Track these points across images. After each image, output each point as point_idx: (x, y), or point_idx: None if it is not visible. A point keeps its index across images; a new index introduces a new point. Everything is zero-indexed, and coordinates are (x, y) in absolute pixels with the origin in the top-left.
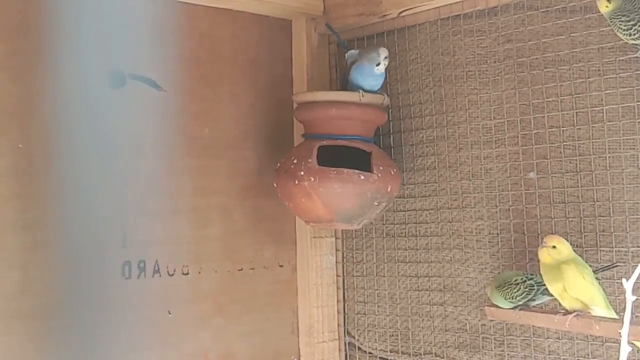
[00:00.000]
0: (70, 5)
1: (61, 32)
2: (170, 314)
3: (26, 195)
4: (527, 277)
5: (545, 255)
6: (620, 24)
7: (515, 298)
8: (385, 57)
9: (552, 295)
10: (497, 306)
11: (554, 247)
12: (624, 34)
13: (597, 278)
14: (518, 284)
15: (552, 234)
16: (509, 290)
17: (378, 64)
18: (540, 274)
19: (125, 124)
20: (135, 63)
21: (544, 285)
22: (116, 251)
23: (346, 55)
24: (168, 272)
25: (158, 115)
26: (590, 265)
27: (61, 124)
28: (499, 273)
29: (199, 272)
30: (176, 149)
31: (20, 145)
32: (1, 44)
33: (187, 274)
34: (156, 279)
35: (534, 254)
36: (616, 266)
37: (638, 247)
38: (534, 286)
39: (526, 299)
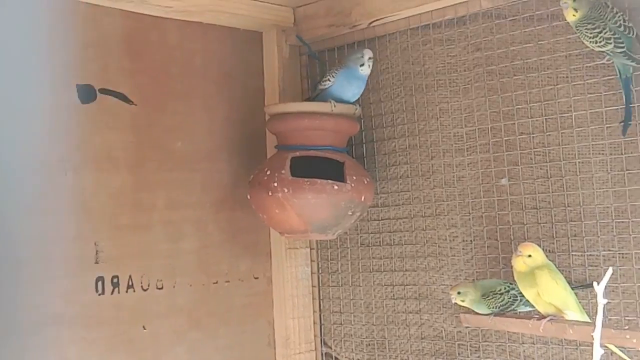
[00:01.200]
0: (40, 20)
1: (31, 47)
2: (145, 329)
3: None
4: (509, 287)
5: (520, 264)
6: (587, 32)
7: (498, 308)
8: (370, 58)
9: (534, 307)
10: (475, 313)
11: (529, 256)
12: (590, 42)
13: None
14: (502, 293)
15: (525, 241)
16: (493, 299)
17: (362, 65)
18: (515, 281)
19: (97, 139)
20: (105, 78)
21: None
22: (89, 267)
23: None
24: (142, 287)
25: (130, 129)
26: (562, 271)
27: (32, 139)
28: (473, 280)
29: (174, 287)
30: (149, 162)
31: None
32: None
33: (162, 288)
34: (130, 294)
35: (508, 260)
36: (590, 286)
37: (609, 250)
38: (517, 297)
39: (509, 309)
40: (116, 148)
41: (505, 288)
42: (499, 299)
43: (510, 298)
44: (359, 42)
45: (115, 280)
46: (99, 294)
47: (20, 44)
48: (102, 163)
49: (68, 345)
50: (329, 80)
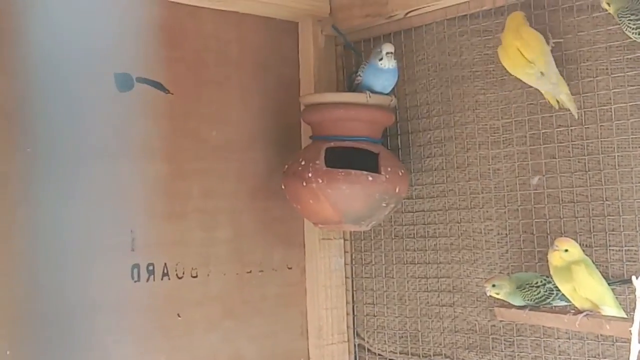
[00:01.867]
0: (76, 9)
1: (68, 36)
2: (179, 316)
3: (35, 199)
4: (546, 280)
5: (557, 259)
6: (629, 23)
7: (534, 300)
8: (388, 53)
9: (569, 301)
10: (509, 304)
11: (566, 250)
12: (633, 33)
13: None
14: (539, 286)
15: (561, 235)
16: (529, 292)
17: (381, 59)
18: (550, 275)
19: (133, 127)
20: (142, 66)
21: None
22: (125, 254)
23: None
24: (177, 275)
25: (166, 118)
26: (599, 266)
27: (69, 127)
28: (508, 274)
29: (208, 275)
30: (184, 151)
31: (28, 149)
32: (8, 48)
33: (196, 276)
34: (165, 282)
35: (543, 254)
36: (628, 282)
37: None
38: (553, 290)
39: (544, 302)
40: (152, 136)
41: (541, 281)
42: (535, 291)
43: (546, 291)
44: (395, 33)
45: (150, 267)
46: (135, 281)
47: (59, 32)
48: (139, 151)
49: (103, 332)
50: (360, 76)
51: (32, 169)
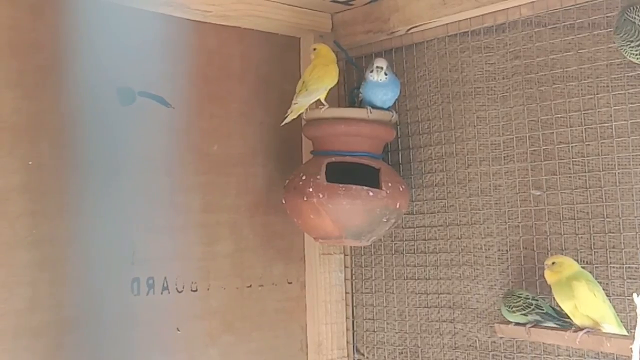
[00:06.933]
0: (81, 24)
1: (72, 50)
2: (179, 330)
3: (36, 212)
4: (532, 297)
5: (549, 275)
6: (631, 50)
7: (512, 308)
8: (378, 67)
9: (558, 321)
10: (508, 321)
11: (553, 263)
12: (637, 58)
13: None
14: (520, 298)
15: (562, 252)
16: (510, 299)
17: (372, 71)
18: (552, 295)
19: (135, 141)
20: (144, 80)
21: (544, 309)
22: (125, 268)
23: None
24: (177, 288)
25: (167, 132)
26: (600, 283)
27: (71, 141)
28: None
29: (208, 289)
30: (185, 165)
31: (30, 162)
32: (13, 61)
33: (196, 290)
34: (165, 296)
35: (544, 270)
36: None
37: None
38: (532, 305)
39: (522, 312)
40: (154, 150)
41: (525, 295)
42: (514, 300)
43: (525, 303)
44: (396, 49)
45: (150, 281)
46: (135, 295)
47: (62, 47)
48: (140, 165)
49: (102, 345)
50: (361, 93)
51: (34, 182)
